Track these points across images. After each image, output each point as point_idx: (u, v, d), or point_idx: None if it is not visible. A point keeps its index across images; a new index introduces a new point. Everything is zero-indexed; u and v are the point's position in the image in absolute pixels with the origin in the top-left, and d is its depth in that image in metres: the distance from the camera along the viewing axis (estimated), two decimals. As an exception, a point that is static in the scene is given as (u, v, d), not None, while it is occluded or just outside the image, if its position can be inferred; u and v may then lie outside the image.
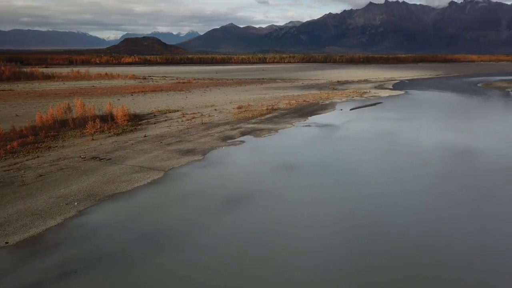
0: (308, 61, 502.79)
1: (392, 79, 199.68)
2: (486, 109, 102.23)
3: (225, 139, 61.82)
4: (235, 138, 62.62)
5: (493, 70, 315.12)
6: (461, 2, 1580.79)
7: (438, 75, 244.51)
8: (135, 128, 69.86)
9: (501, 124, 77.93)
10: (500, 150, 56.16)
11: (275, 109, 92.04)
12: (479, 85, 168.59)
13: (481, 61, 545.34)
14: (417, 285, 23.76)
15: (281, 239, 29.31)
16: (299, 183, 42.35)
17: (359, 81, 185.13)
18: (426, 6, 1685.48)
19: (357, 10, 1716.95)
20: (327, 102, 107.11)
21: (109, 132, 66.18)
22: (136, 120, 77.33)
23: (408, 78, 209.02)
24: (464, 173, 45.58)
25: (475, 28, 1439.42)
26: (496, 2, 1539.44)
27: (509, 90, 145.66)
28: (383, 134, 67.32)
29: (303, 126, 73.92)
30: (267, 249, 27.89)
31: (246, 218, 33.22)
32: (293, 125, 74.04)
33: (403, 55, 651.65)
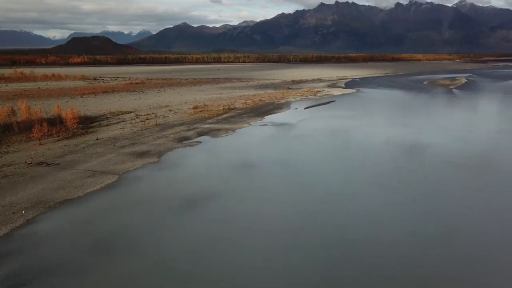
0: (263, 61, 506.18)
1: (344, 77, 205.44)
2: (432, 105, 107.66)
3: (181, 140, 60.90)
4: (191, 139, 61.85)
5: (437, 68, 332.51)
6: (406, 4, 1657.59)
7: (387, 73, 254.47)
8: (86, 131, 67.17)
9: (445, 120, 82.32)
10: (445, 144, 59.51)
11: (232, 109, 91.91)
12: (424, 83, 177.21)
13: (425, 59, 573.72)
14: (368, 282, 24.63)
15: (239, 239, 29.34)
16: (258, 182, 42.57)
17: (313, 80, 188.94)
18: (374, 7, 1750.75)
19: (309, 10, 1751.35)
20: (282, 101, 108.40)
21: (58, 136, 63.16)
22: (87, 123, 74.35)
23: (359, 76, 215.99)
24: (412, 167, 47.76)
25: (419, 29, 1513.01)
26: (438, 4, 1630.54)
27: (452, 87, 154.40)
28: (337, 131, 69.18)
29: (260, 125, 74.36)
30: (225, 250, 27.80)
31: (204, 220, 32.90)
32: (250, 125, 74.28)
33: (354, 55, 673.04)
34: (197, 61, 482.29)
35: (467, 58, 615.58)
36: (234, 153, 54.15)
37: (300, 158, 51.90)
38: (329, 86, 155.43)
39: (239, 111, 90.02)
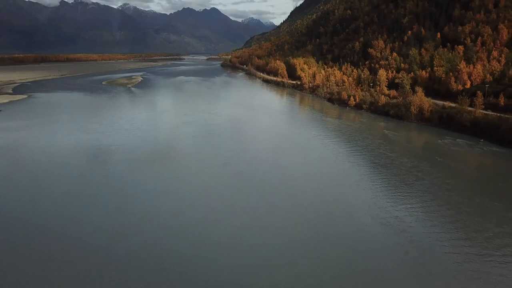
0: None
1: (12, 82, 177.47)
2: (113, 106, 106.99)
3: None
4: None
5: (114, 68, 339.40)
6: (72, 3, 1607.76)
7: (63, 75, 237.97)
8: None
9: (129, 120, 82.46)
10: (128, 144, 60.58)
11: None
12: (103, 83, 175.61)
13: (102, 59, 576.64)
14: None
15: None
16: None
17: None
18: (37, 3, 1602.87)
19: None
20: None
21: None
22: None
23: (30, 80, 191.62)
24: (100, 173, 44.89)
25: (91, 28, 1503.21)
26: (105, 5, 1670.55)
27: (130, 86, 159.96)
28: (5, 148, 57.42)
29: None
30: None
31: None
32: None
33: (21, 55, 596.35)
34: None
35: (140, 58, 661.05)
36: None
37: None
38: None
39: None
